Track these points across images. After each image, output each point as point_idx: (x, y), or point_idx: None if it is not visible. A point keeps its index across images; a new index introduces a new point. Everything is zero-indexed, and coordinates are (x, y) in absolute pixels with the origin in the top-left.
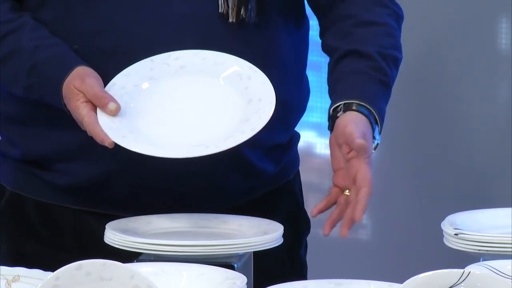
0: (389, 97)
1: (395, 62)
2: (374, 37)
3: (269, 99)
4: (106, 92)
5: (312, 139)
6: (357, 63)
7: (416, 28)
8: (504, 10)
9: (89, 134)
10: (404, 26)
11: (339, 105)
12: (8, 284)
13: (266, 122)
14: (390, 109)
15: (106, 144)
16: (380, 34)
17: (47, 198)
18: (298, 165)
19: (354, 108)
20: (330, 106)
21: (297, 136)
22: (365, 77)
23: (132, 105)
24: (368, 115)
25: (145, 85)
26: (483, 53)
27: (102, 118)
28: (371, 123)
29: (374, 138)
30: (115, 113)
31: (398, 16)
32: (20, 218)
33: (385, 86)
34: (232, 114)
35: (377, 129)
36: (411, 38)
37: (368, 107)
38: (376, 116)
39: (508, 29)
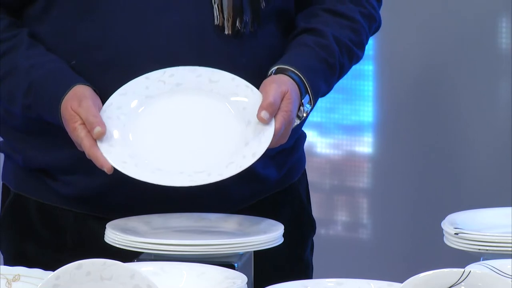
0: (333, 80)
1: (350, 53)
2: (336, 25)
3: (269, 125)
4: (97, 117)
5: (313, 139)
6: (308, 37)
7: (416, 28)
8: (504, 10)
9: (88, 157)
10: (405, 26)
11: (274, 69)
12: (9, 283)
13: (267, 147)
14: (391, 108)
15: (105, 169)
16: (344, 26)
17: (49, 201)
18: (304, 166)
19: (285, 73)
20: (268, 69)
21: (302, 137)
22: (309, 51)
23: (130, 127)
24: (298, 82)
25: (142, 105)
26: (483, 53)
27: (102, 142)
28: (300, 91)
29: (302, 104)
30: (99, 137)
31: (371, 18)
32: (22, 219)
33: (328, 66)
34: (232, 136)
35: (307, 98)
36: (412, 38)
37: (298, 74)
38: (307, 85)
39: (508, 28)
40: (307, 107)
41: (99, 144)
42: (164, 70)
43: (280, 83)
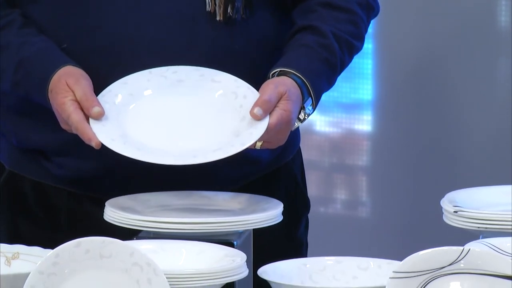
0: (334, 78)
1: (350, 47)
2: (334, 20)
3: (263, 120)
4: (95, 96)
5: (311, 117)
6: (308, 37)
7: (416, 6)
8: None
9: (75, 131)
10: (405, 4)
11: (276, 71)
12: (8, 261)
13: (257, 139)
14: (390, 86)
15: (93, 144)
16: (341, 19)
17: (43, 179)
18: (298, 144)
19: (288, 75)
20: (269, 71)
21: None
22: (311, 52)
23: (125, 111)
24: (301, 85)
25: (140, 94)
26: (483, 31)
27: (94, 120)
28: (302, 93)
29: (303, 108)
30: (97, 116)
31: (369, 7)
32: (17, 197)
33: (330, 66)
34: (224, 128)
35: (310, 101)
36: (411, 16)
37: (302, 77)
38: (310, 89)
39: (508, 6)
40: (309, 109)
41: (91, 122)
42: (167, 67)
43: (279, 84)
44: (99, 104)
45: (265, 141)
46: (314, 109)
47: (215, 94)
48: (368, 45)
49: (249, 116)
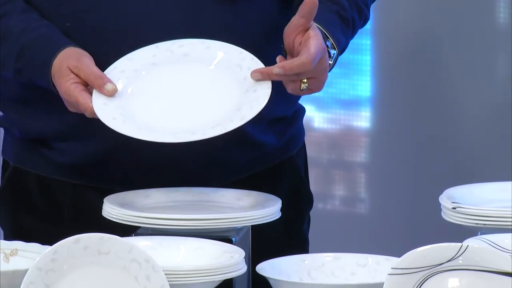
0: (348, 34)
1: (359, 9)
2: None
3: (264, 91)
4: (103, 73)
5: (310, 113)
6: None
7: (414, 2)
8: None
9: (85, 114)
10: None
11: None
12: (6, 257)
13: (257, 113)
14: (388, 82)
15: (87, 113)
16: None
17: (47, 173)
18: (303, 140)
19: None
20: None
21: (302, 110)
22: (321, 6)
23: (128, 89)
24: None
25: (144, 70)
26: (481, 26)
27: (97, 98)
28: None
29: (327, 46)
30: (111, 93)
31: None
32: (21, 193)
33: (342, 19)
34: (226, 103)
35: (328, 43)
36: (409, 12)
37: (319, 26)
38: (326, 33)
39: (507, 2)
40: (332, 52)
41: (94, 100)
42: (174, 40)
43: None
44: (110, 81)
45: (310, 78)
46: (337, 54)
47: (220, 67)
48: (367, 41)
49: (251, 89)
